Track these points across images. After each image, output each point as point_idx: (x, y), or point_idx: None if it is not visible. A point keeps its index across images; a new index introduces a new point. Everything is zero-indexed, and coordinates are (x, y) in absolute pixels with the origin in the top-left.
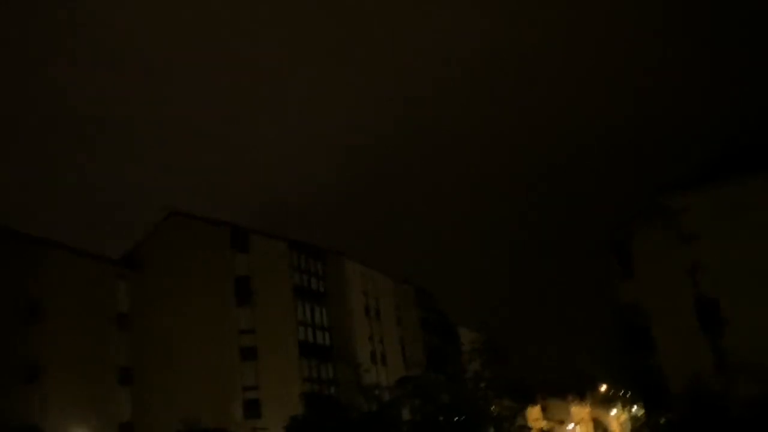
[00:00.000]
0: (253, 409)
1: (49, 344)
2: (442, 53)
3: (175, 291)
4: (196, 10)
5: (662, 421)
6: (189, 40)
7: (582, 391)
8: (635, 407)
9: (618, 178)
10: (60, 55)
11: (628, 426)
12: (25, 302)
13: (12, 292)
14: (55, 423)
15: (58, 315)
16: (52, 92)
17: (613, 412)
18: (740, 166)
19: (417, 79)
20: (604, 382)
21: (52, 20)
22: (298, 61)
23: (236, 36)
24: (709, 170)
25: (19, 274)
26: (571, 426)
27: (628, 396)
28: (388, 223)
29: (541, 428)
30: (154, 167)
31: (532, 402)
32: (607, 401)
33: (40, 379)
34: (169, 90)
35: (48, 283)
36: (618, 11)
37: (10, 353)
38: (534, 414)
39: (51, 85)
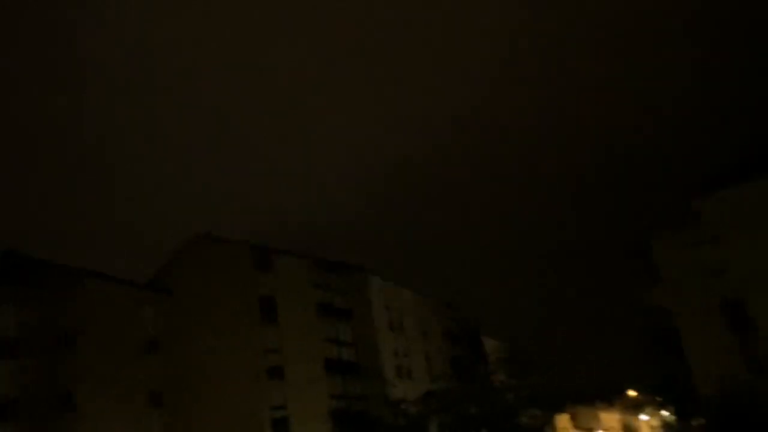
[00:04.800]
0: (281, 428)
1: (82, 371)
2: (464, 74)
3: (202, 313)
4: (218, 38)
5: (694, 425)
6: (210, 65)
7: (610, 397)
8: (666, 412)
9: (640, 184)
10: (76, 89)
11: (659, 431)
12: (58, 331)
13: (46, 321)
14: None
15: (90, 342)
16: (75, 124)
17: (644, 417)
18: (758, 167)
19: (439, 98)
20: (634, 388)
21: (63, 52)
22: (319, 84)
23: (258, 62)
24: (728, 173)
25: (51, 303)
26: None
27: (658, 401)
28: (409, 237)
29: None
30: (177, 191)
31: (561, 410)
32: (637, 407)
33: (74, 405)
34: (190, 116)
35: (79, 311)
36: (637, 27)
37: (44, 382)
38: (563, 422)
39: (73, 118)
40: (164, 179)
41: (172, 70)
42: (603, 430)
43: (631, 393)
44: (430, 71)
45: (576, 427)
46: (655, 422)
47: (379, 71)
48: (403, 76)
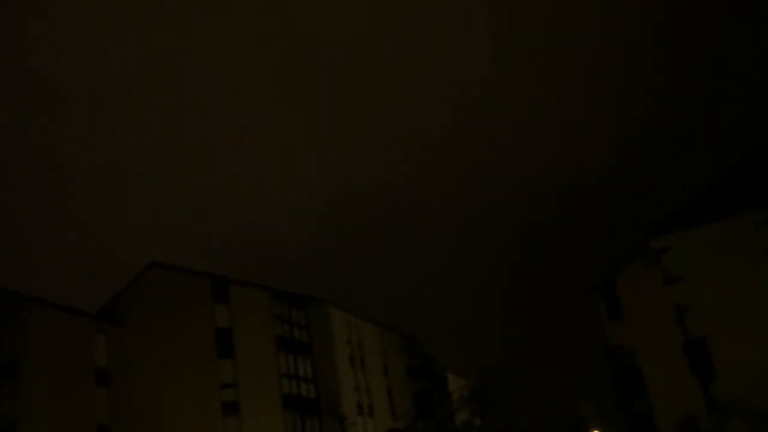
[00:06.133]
0: None
1: (25, 403)
2: (426, 101)
3: (155, 345)
4: (174, 59)
5: None
6: (162, 89)
7: None
8: None
9: (603, 221)
10: (29, 110)
11: None
12: (0, 359)
13: None
14: None
15: (35, 372)
16: (23, 145)
17: None
18: (719, 207)
19: (399, 127)
20: (598, 427)
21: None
22: (278, 110)
23: (212, 84)
24: (690, 212)
25: None
26: None
27: None
28: (372, 270)
29: None
30: (132, 218)
31: None
32: None
33: None
34: (145, 140)
35: (22, 338)
36: (603, 62)
37: None
38: None
39: (22, 139)
40: (118, 204)
41: (122, 93)
42: None
43: None
44: (391, 96)
45: None
46: None
47: (340, 96)
48: (363, 102)
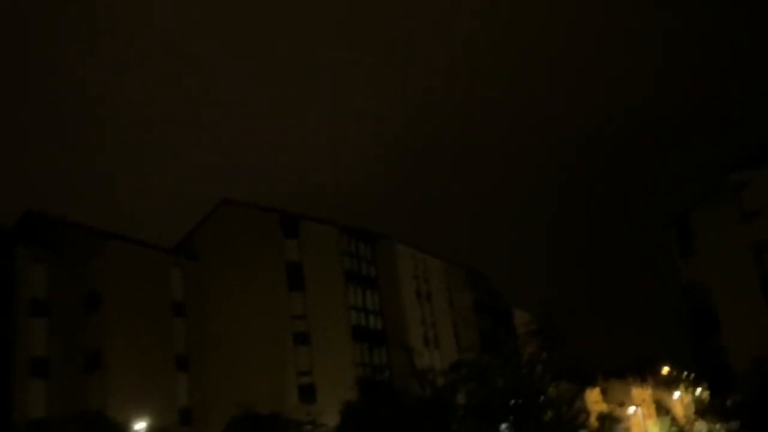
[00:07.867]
0: (308, 393)
1: (108, 332)
2: (480, 31)
3: (228, 278)
4: (242, 12)
5: (728, 403)
6: (233, 35)
7: (643, 372)
8: (699, 389)
9: (678, 154)
10: (106, 54)
11: (692, 408)
12: (85, 291)
13: (72, 282)
14: (118, 408)
15: (117, 303)
16: (104, 87)
17: (676, 394)
18: None
19: (463, 59)
20: (667, 364)
21: (106, 23)
22: (343, 50)
23: (280, 30)
24: None
25: (78, 264)
26: (632, 408)
27: (691, 377)
28: (438, 205)
29: (601, 411)
30: (206, 156)
31: (592, 384)
32: (670, 383)
33: (101, 367)
34: (218, 81)
35: (106, 272)
36: None
37: (72, 341)
38: (593, 396)
39: (102, 81)
40: (192, 143)
41: (197, 45)
42: (635, 405)
43: (665, 369)
44: (446, 33)
45: (607, 401)
46: (687, 399)
47: (398, 39)
48: (421, 41)
